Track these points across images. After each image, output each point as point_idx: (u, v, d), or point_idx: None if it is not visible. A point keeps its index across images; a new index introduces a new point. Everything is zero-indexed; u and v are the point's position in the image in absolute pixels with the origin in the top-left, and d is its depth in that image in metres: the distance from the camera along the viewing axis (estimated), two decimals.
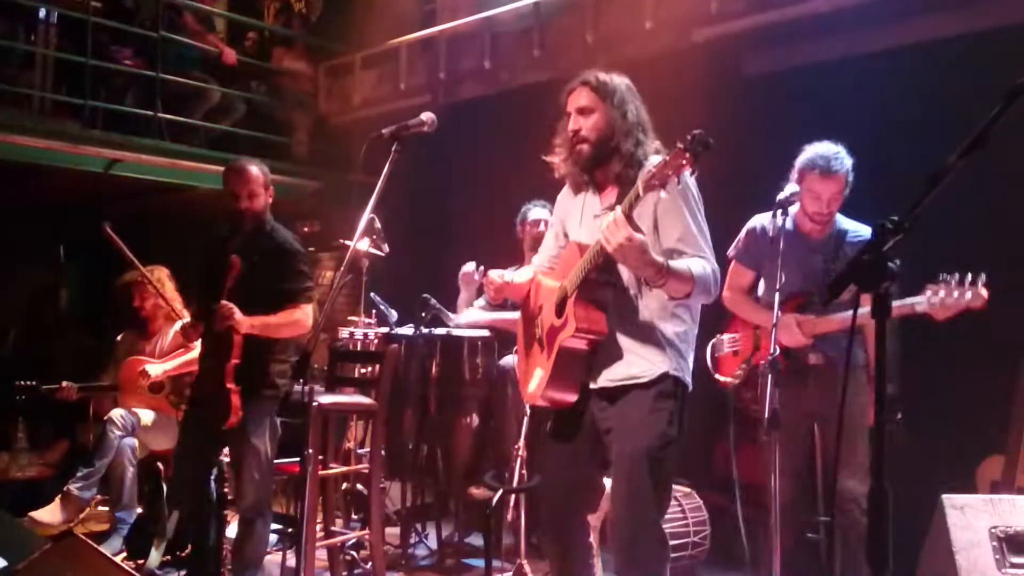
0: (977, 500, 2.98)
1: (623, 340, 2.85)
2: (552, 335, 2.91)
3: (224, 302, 3.78)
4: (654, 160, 2.70)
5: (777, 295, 3.40)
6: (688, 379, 2.92)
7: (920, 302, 3.25)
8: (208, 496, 4.06)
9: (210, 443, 4.00)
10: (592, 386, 2.91)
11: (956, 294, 3.18)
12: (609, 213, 2.68)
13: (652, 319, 2.85)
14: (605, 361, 2.87)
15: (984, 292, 3.16)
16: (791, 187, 3.55)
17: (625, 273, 2.85)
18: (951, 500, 2.95)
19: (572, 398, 2.92)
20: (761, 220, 3.81)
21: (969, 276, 3.19)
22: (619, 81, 2.96)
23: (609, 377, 2.86)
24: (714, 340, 4.04)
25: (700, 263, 2.75)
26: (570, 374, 2.87)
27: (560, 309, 2.89)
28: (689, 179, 2.81)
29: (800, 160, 3.66)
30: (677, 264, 2.69)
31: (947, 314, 3.22)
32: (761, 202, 3.76)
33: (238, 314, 3.77)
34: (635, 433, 2.80)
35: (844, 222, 3.76)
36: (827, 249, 3.72)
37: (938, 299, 3.20)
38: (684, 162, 2.46)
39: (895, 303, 3.30)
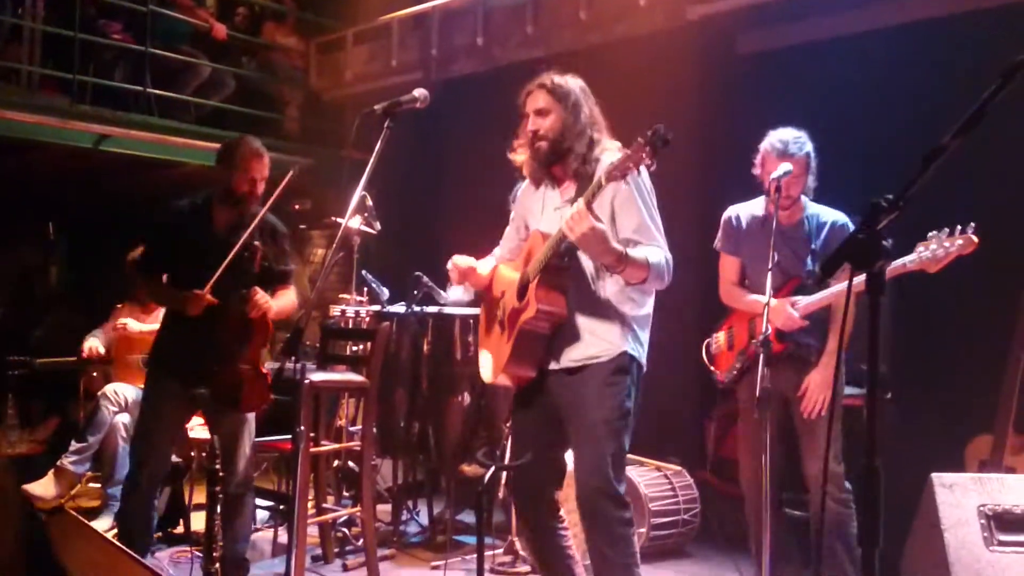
0: (966, 479, 3.00)
1: (582, 321, 3.03)
2: (513, 317, 3.08)
3: (258, 289, 3.78)
4: (610, 155, 2.92)
5: (770, 275, 3.41)
6: (644, 360, 3.09)
7: (912, 259, 3.23)
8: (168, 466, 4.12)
9: (183, 419, 4.04)
10: (554, 366, 3.07)
11: (947, 244, 3.16)
12: (569, 205, 2.90)
13: (611, 302, 3.02)
14: (566, 342, 3.04)
15: (975, 238, 3.13)
16: (784, 166, 3.54)
17: (584, 259, 3.02)
18: (940, 479, 2.97)
19: (531, 374, 3.10)
20: (734, 210, 3.90)
21: (959, 227, 3.17)
22: (574, 84, 3.10)
23: (571, 358, 3.04)
24: (708, 339, 4.05)
25: (655, 251, 2.92)
26: (529, 353, 3.06)
27: (522, 293, 3.07)
28: (643, 173, 2.95)
29: (762, 144, 3.71)
30: (634, 252, 2.86)
31: (939, 266, 3.21)
32: (755, 180, 3.76)
33: (271, 301, 3.81)
34: (592, 406, 2.98)
35: (812, 207, 3.77)
36: (798, 234, 3.73)
37: (929, 252, 3.19)
38: (644, 155, 2.62)
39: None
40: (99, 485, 5.30)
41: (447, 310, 4.96)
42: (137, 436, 4.02)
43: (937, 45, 4.71)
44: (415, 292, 4.91)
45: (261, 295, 3.78)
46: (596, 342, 3.00)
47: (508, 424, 4.28)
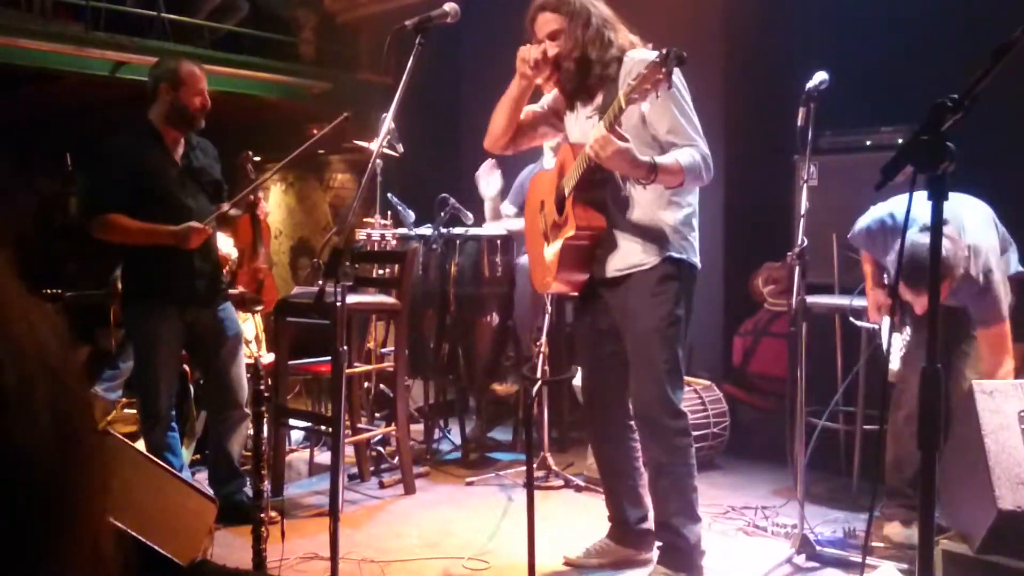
0: (1007, 385, 3.00)
1: (623, 232, 3.04)
2: (556, 229, 3.13)
3: (260, 196, 4.04)
4: (634, 54, 2.91)
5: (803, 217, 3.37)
6: (695, 259, 3.09)
7: None
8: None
9: (182, 346, 3.98)
10: (600, 276, 3.11)
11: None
12: (599, 114, 2.91)
13: (651, 209, 3.02)
14: (607, 253, 3.07)
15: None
16: (820, 75, 3.46)
17: None
18: (981, 385, 2.97)
19: (583, 278, 3.16)
20: (882, 215, 3.57)
21: None
22: None
23: (614, 267, 3.07)
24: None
25: (689, 152, 2.88)
26: (577, 262, 3.12)
27: (560, 207, 3.09)
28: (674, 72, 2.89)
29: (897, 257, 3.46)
30: (664, 159, 2.84)
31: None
32: (788, 86, 3.70)
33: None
34: (643, 315, 3.01)
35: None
36: None
37: None
38: (660, 77, 2.58)
39: None
40: (134, 411, 5.38)
41: (474, 231, 4.95)
42: (151, 371, 3.87)
43: None
44: (442, 214, 4.89)
45: (259, 200, 4.05)
46: (637, 250, 3.01)
47: (539, 343, 4.31)
